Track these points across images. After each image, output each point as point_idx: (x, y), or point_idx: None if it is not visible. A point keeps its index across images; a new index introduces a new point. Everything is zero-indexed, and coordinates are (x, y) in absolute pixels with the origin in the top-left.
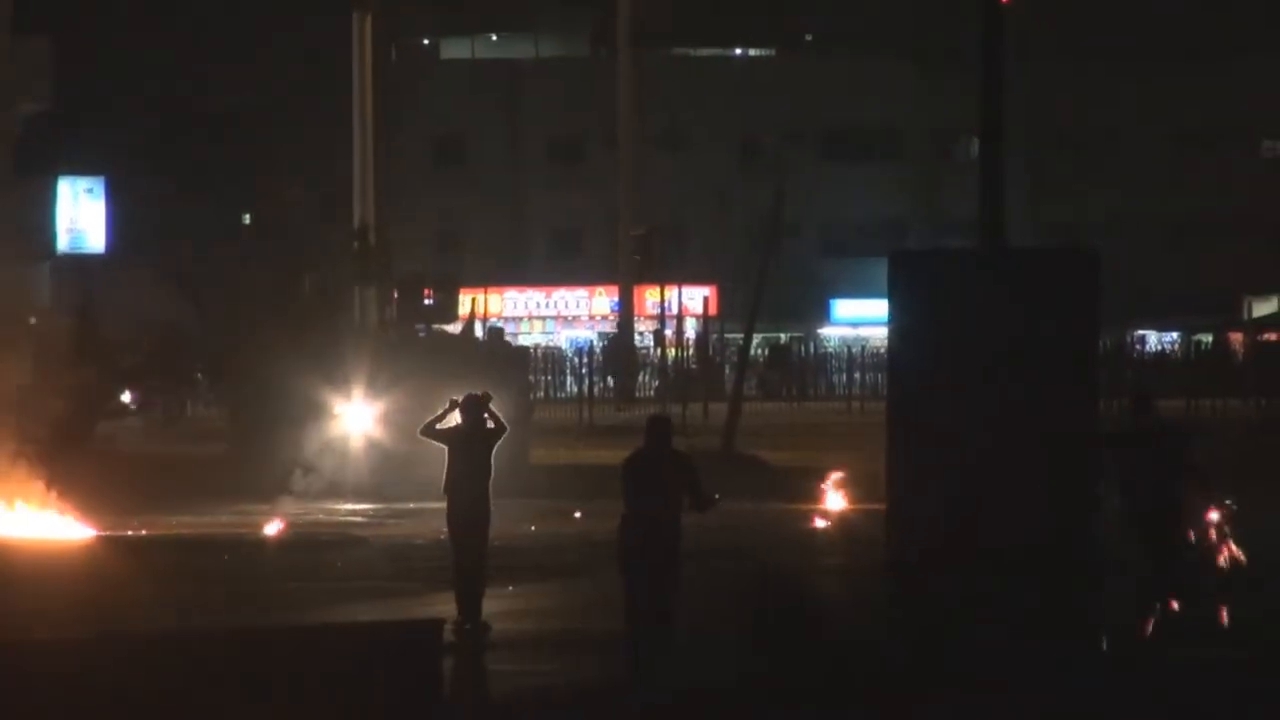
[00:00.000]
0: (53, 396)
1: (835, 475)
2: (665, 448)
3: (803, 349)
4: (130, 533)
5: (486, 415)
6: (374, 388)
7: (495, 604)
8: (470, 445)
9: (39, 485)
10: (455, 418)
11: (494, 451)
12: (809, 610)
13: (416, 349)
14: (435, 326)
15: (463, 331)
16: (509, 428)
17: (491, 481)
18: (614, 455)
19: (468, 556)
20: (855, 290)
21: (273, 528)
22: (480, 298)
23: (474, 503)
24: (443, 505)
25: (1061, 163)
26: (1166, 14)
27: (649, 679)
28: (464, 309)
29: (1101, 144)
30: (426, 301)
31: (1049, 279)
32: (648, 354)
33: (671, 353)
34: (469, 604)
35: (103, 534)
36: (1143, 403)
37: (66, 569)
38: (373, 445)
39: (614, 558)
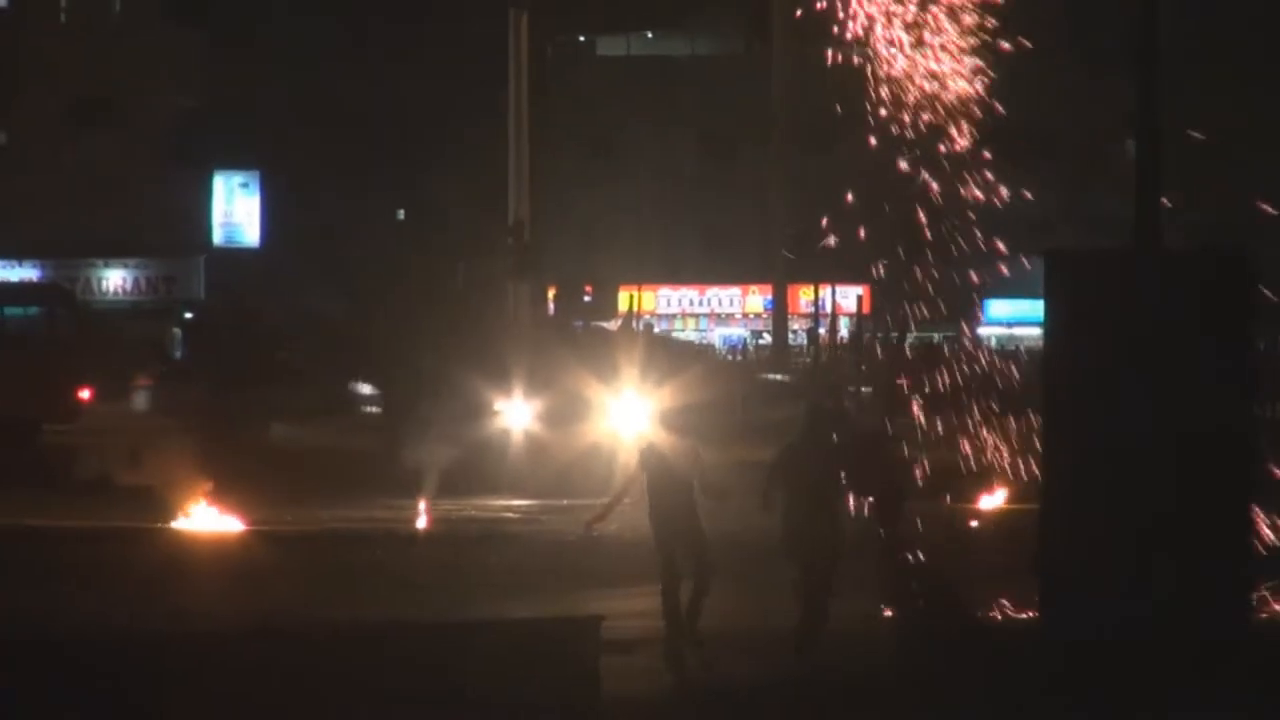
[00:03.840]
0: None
1: (985, 474)
2: (825, 437)
3: (955, 348)
4: (283, 527)
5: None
6: (530, 383)
7: (651, 601)
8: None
9: (196, 478)
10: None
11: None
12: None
13: (573, 345)
14: (593, 323)
15: (620, 328)
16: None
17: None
18: (769, 455)
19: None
20: (1008, 290)
21: (425, 522)
22: (635, 294)
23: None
24: (594, 502)
25: (1206, 165)
26: None
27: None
28: (622, 306)
29: (1246, 146)
30: (586, 298)
31: (1205, 280)
32: (802, 351)
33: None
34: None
35: (255, 528)
36: None
37: (221, 562)
38: (528, 440)
39: (775, 553)
